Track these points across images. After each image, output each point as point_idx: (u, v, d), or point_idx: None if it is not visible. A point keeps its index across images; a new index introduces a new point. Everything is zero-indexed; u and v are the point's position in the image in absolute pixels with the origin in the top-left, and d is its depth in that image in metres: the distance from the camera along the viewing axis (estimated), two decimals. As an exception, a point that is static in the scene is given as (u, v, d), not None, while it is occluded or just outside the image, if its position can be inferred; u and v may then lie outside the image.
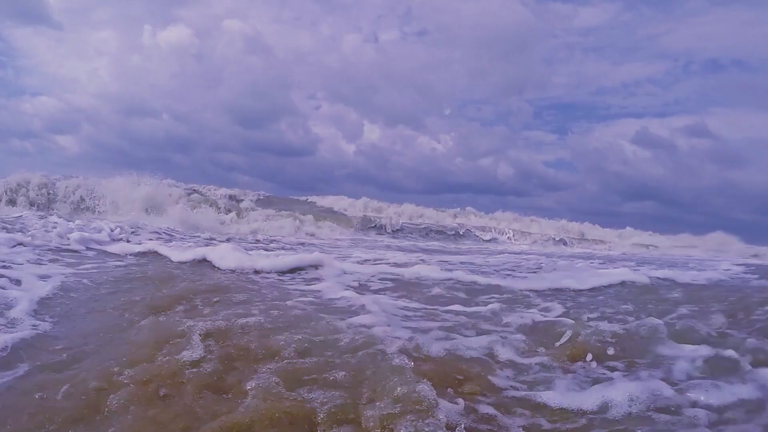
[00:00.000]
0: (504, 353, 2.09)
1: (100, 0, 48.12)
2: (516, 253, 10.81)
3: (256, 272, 4.13)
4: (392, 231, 17.19)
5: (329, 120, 48.01)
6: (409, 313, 2.87)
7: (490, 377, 1.78)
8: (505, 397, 1.62)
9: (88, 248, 4.87)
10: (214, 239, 7.59)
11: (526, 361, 2.01)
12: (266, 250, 6.36)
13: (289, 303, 2.81)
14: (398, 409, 1.30)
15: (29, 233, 5.24)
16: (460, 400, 1.48)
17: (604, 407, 1.53)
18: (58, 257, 4.14)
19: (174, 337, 1.87)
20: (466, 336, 2.37)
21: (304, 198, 19.19)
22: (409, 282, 4.05)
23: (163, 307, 2.48)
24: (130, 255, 4.71)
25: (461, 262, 6.55)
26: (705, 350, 2.02)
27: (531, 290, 3.95)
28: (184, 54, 41.71)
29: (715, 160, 39.88)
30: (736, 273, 7.75)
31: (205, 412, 1.34)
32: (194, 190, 14.89)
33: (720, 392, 1.62)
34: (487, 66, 49.61)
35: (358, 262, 5.14)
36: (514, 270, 6.20)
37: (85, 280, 3.19)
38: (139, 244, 5.37)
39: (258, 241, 8.39)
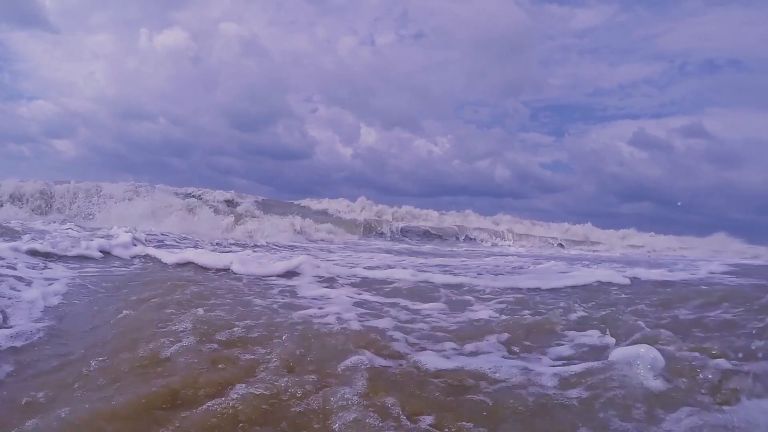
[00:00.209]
0: (409, 336, 2.61)
1: (97, 3, 48.70)
2: (505, 256, 11.28)
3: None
4: (391, 235, 17.66)
5: (326, 123, 48.60)
6: (358, 303, 3.42)
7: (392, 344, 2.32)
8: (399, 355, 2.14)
9: (134, 257, 5.44)
10: (229, 246, 8.17)
11: (433, 343, 2.52)
12: (268, 252, 6.93)
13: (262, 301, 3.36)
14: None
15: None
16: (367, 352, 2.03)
17: (477, 372, 2.03)
18: (124, 267, 4.73)
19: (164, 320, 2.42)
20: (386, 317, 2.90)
21: (299, 201, 19.63)
22: (375, 280, 4.59)
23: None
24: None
25: (438, 264, 7.05)
26: (583, 338, 2.52)
27: (490, 288, 4.48)
28: (181, 57, 42.24)
29: (712, 161, 40.37)
30: (716, 273, 8.14)
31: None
32: (192, 194, 15.53)
33: (575, 366, 2.12)
34: (483, 68, 50.37)
35: (338, 265, 5.67)
36: (490, 272, 6.69)
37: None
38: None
39: (258, 246, 8.98)
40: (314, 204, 19.56)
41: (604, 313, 3.28)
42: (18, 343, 2.10)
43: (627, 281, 5.99)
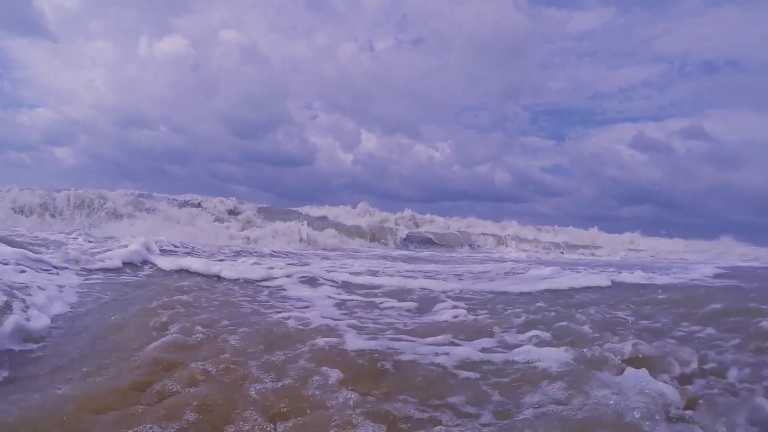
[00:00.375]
0: (365, 329, 3.09)
1: (96, 11, 49.68)
2: (503, 261, 11.65)
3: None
4: (395, 243, 18.00)
5: (326, 129, 49.91)
6: (337, 304, 3.91)
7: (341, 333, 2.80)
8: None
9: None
10: (237, 252, 8.76)
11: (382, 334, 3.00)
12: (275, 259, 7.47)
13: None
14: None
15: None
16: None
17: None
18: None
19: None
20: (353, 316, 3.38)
21: (300, 208, 20.09)
22: (356, 285, 5.10)
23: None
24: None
25: (429, 270, 7.51)
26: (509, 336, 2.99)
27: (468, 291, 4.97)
28: (181, 64, 43.35)
29: (712, 162, 40.71)
30: (702, 277, 8.45)
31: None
32: (190, 202, 16.15)
33: (480, 354, 2.58)
34: (483, 72, 51.31)
35: (326, 270, 6.18)
36: (477, 277, 7.12)
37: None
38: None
39: (265, 254, 9.55)
40: (314, 211, 20.01)
41: (549, 315, 3.71)
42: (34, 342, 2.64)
43: (608, 284, 6.40)
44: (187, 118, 45.01)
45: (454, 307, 4.04)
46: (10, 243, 5.25)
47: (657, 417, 1.70)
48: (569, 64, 48.91)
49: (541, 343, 2.85)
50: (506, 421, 1.76)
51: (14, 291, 3.16)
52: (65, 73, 48.16)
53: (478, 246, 20.12)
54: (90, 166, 40.76)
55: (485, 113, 51.14)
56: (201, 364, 2.14)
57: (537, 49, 50.17)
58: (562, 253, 20.19)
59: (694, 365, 2.37)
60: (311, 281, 5.17)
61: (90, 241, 7.43)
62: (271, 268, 5.79)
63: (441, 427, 1.69)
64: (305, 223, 14.55)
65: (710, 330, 3.29)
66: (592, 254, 19.43)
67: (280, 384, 1.99)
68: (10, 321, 2.44)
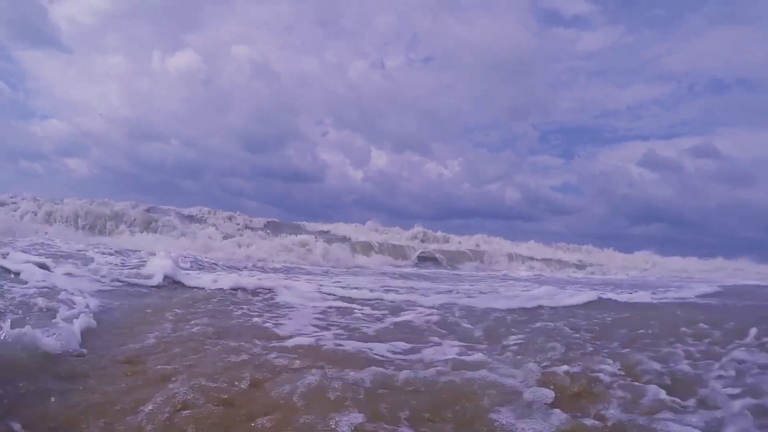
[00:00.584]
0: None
1: (110, 25, 50.79)
2: (505, 280, 12.11)
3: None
4: (410, 261, 18.26)
5: (336, 146, 50.15)
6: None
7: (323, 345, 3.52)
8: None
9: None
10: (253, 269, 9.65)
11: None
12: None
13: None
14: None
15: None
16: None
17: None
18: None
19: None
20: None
21: (313, 224, 20.81)
22: (336, 296, 5.85)
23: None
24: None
25: (421, 287, 8.16)
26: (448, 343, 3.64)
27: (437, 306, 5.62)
28: (193, 79, 44.07)
29: (723, 181, 40.27)
30: (697, 294, 8.89)
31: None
32: (195, 216, 17.07)
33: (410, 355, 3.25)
34: (492, 91, 52.02)
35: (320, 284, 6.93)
36: (461, 292, 7.70)
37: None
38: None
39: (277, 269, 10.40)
40: (327, 227, 20.75)
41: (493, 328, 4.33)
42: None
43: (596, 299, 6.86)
44: (198, 133, 45.79)
45: (414, 317, 4.72)
46: (51, 256, 6.20)
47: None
48: (578, 83, 49.56)
49: (463, 348, 3.50)
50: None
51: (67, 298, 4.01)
52: (79, 85, 48.31)
53: (489, 263, 20.47)
54: (102, 177, 40.86)
55: (495, 132, 51.90)
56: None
57: (545, 67, 51.19)
58: (575, 272, 20.33)
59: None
60: (299, 295, 5.91)
61: (111, 254, 8.37)
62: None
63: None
64: (319, 239, 15.13)
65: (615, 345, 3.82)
66: (603, 273, 19.51)
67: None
68: (80, 321, 3.21)
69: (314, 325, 4.13)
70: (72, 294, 4.23)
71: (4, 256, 5.53)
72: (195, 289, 5.86)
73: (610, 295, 7.81)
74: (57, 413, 2.04)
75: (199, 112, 47.35)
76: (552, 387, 2.63)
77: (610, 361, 3.22)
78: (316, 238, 15.36)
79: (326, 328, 4.05)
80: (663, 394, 2.64)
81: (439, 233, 22.72)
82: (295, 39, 54.61)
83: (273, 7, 52.67)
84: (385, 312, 5.01)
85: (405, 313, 4.92)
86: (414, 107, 51.99)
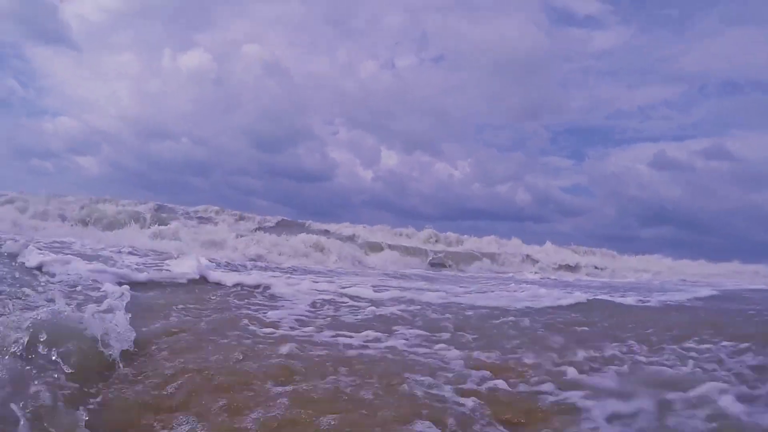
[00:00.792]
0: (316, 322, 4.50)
1: (121, 24, 52.13)
2: (505, 283, 12.56)
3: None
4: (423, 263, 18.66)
5: (346, 145, 51.02)
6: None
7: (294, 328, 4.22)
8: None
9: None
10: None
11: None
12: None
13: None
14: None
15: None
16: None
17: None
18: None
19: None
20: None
21: (326, 225, 21.46)
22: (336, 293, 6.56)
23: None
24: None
25: (412, 286, 8.81)
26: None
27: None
28: (203, 78, 45.04)
29: (735, 183, 39.12)
30: (689, 297, 9.29)
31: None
32: (200, 215, 17.86)
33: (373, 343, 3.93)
34: (503, 91, 52.32)
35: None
36: (450, 292, 8.30)
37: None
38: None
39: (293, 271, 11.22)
40: (342, 228, 21.38)
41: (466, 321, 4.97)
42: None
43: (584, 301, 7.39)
44: (208, 131, 46.84)
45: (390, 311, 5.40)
46: (83, 256, 7.12)
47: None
48: (589, 83, 49.22)
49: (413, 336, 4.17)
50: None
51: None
52: (89, 83, 50.01)
53: (499, 266, 20.80)
54: (112, 175, 42.28)
55: (505, 132, 51.77)
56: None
57: (557, 67, 50.96)
58: (588, 275, 20.52)
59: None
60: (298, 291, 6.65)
61: (133, 254, 9.24)
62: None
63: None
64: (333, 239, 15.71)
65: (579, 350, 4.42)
66: (624, 276, 19.57)
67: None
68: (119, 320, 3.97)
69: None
70: (102, 285, 5.11)
71: (29, 251, 6.34)
72: (231, 287, 6.51)
73: (603, 297, 8.30)
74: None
75: (210, 111, 48.41)
76: (480, 369, 3.28)
77: (547, 352, 3.84)
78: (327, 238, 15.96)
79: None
80: (576, 374, 3.28)
81: (449, 233, 23.09)
82: (305, 38, 56.83)
83: (284, 7, 53.39)
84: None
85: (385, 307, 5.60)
86: (424, 107, 52.36)
